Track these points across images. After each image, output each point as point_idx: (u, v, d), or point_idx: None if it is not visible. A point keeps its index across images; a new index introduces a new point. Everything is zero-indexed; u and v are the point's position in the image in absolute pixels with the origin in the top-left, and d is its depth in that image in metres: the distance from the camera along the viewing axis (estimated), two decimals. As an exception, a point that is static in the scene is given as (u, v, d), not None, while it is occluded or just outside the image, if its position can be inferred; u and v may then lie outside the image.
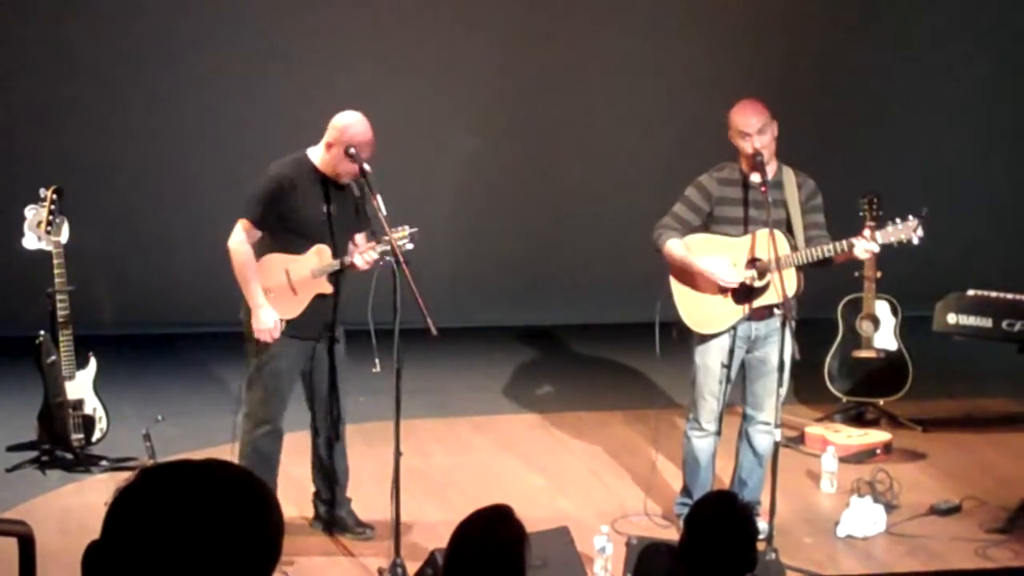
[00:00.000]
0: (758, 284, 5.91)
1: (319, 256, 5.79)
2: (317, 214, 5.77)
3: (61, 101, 9.05)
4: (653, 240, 6.00)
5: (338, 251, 5.82)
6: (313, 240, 5.79)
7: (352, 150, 5.63)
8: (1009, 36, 10.33)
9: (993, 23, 10.27)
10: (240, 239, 5.75)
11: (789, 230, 5.94)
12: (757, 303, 5.95)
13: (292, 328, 5.80)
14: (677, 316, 6.04)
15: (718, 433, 6.14)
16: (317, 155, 5.79)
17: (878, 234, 5.84)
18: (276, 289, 5.77)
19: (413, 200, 8.03)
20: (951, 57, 10.21)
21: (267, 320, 5.74)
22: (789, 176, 5.99)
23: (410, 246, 5.72)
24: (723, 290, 5.96)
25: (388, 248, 5.64)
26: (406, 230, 5.72)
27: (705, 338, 6.01)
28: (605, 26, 9.78)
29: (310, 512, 6.20)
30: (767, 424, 5.98)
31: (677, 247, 5.95)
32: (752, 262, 5.92)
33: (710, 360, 6.02)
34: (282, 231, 5.78)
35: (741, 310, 5.95)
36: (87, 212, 7.68)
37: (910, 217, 5.85)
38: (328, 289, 5.82)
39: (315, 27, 9.37)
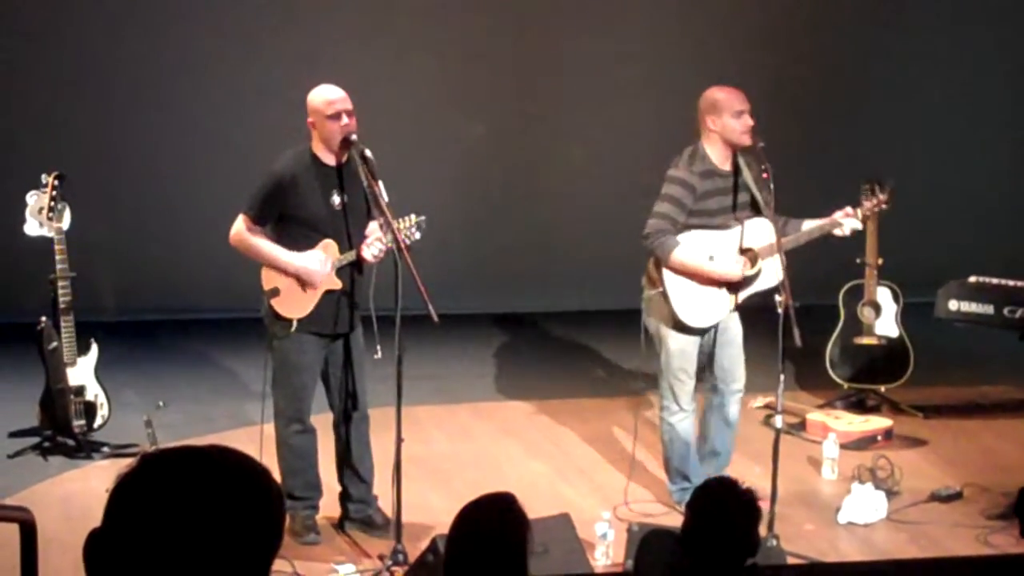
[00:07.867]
0: (750, 272, 5.98)
1: (325, 252, 5.68)
2: (325, 207, 5.65)
3: (62, 86, 9.04)
4: (651, 248, 5.92)
5: (352, 243, 5.70)
6: (324, 234, 5.67)
7: (354, 137, 5.57)
8: (1010, 24, 10.30)
9: (994, 7, 10.23)
10: (239, 229, 5.70)
11: (758, 212, 6.01)
12: (750, 291, 6.04)
13: (305, 324, 5.71)
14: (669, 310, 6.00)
15: (695, 411, 6.23)
16: (317, 145, 5.67)
17: (858, 211, 6.12)
18: (284, 288, 5.70)
19: (414, 187, 8.01)
20: (951, 44, 10.17)
21: (312, 264, 5.64)
22: (740, 159, 6.04)
23: (418, 235, 5.67)
24: (720, 282, 5.98)
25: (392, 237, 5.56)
26: (413, 219, 5.66)
27: (683, 326, 6.01)
28: (605, 16, 9.75)
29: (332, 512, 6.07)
30: (741, 391, 6.21)
31: (688, 257, 5.90)
32: (744, 252, 5.98)
33: (685, 343, 6.05)
34: (292, 226, 5.68)
35: (733, 300, 6.04)
36: (89, 198, 7.68)
37: (876, 188, 6.34)
38: (337, 285, 5.70)
39: (318, 15, 9.36)
